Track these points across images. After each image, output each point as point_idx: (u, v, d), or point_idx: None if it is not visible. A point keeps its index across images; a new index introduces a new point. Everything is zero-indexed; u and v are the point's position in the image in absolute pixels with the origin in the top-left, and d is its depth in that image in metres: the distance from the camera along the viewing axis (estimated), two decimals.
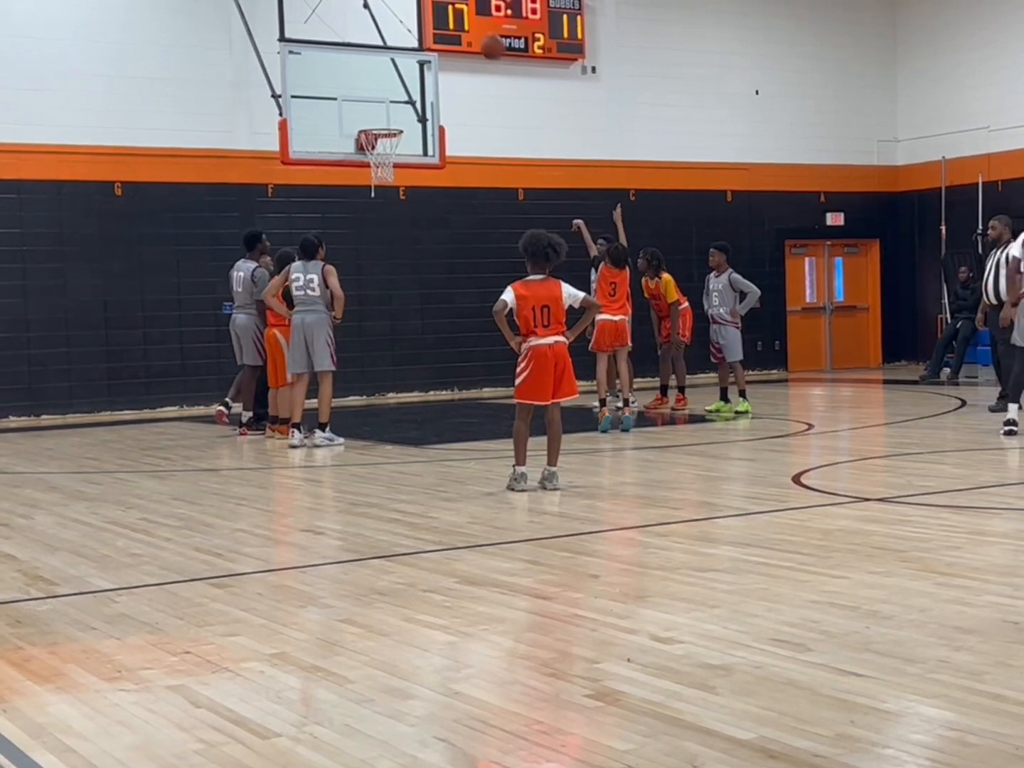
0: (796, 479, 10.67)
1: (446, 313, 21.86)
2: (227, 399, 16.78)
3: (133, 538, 8.93)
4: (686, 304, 17.20)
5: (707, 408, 16.70)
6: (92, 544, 8.71)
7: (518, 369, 10.57)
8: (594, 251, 16.11)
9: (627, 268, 15.43)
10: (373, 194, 18.35)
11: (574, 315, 10.96)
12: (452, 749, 4.43)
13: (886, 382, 22.44)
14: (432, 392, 21.78)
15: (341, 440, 14.40)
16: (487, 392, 22.01)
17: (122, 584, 7.34)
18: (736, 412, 16.19)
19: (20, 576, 7.73)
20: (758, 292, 16.59)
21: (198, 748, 4.49)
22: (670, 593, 6.63)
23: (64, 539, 8.96)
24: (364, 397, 20.93)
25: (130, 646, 5.94)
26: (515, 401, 10.68)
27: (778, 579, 6.85)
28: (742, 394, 16.35)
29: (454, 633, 5.98)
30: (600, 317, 14.56)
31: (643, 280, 17.12)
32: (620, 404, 15.33)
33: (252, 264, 16.18)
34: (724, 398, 16.71)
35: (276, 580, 7.38)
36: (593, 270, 16.12)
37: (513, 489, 10.49)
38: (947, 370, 21.27)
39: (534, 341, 10.40)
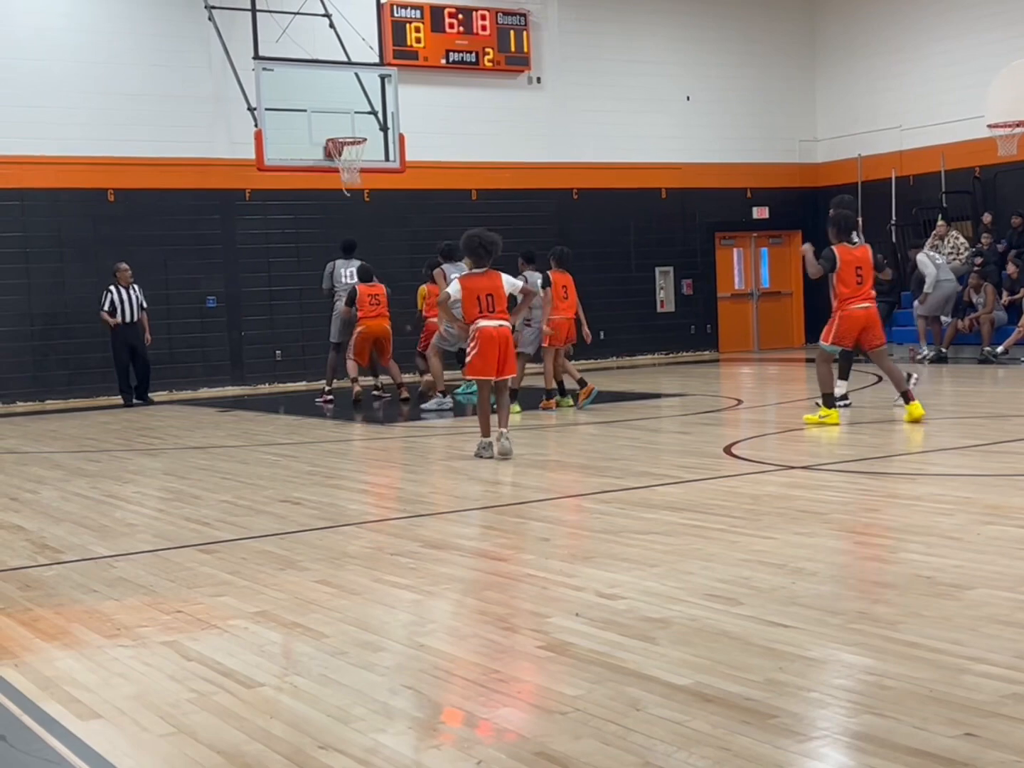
0: (727, 450, 10.62)
1: (408, 304, 21.78)
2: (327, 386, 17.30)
3: (129, 510, 8.93)
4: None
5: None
6: (92, 515, 8.70)
7: (467, 349, 10.68)
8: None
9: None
10: (348, 195, 18.31)
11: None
12: (419, 696, 4.45)
13: (808, 360, 21.87)
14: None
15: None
16: (447, 375, 21.95)
17: (120, 551, 7.33)
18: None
19: (28, 545, 7.72)
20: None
21: (190, 697, 4.51)
22: (613, 554, 6.61)
23: (67, 511, 8.94)
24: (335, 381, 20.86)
25: (127, 606, 5.94)
26: (467, 378, 10.74)
27: (711, 540, 6.85)
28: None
29: (419, 592, 5.99)
30: (557, 316, 14.49)
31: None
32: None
33: (356, 262, 17.19)
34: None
35: (258, 546, 7.35)
36: None
37: (481, 456, 10.55)
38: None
39: (481, 323, 10.51)
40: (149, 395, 18.55)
